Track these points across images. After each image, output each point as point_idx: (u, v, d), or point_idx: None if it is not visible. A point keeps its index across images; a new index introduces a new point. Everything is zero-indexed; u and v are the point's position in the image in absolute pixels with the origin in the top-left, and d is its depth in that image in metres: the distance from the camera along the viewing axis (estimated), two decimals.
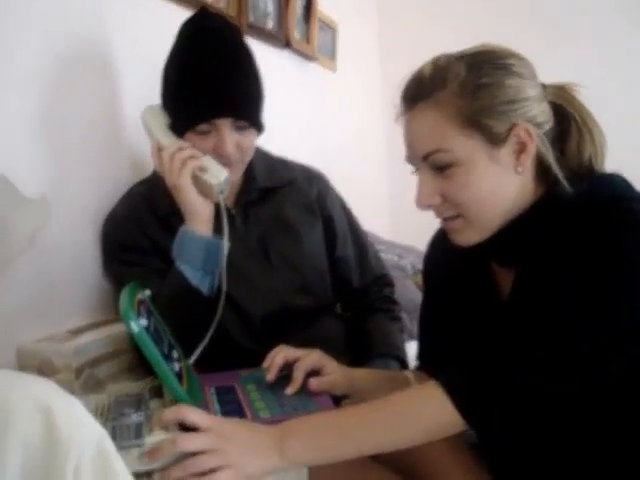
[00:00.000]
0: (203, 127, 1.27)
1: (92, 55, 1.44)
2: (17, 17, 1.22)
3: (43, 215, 1.07)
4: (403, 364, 1.44)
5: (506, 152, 0.95)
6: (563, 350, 0.88)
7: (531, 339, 0.90)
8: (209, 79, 1.25)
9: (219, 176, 1.26)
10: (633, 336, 0.89)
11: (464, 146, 0.94)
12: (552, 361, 0.88)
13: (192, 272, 1.25)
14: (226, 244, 1.27)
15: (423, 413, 0.92)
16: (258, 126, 1.33)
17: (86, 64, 1.41)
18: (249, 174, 1.40)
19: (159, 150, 1.30)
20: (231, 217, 1.36)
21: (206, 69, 1.26)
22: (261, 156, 1.44)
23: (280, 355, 1.13)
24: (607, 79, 2.84)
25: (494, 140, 0.94)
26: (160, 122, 1.31)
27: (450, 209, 0.99)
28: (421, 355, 1.26)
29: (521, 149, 0.95)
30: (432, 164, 0.97)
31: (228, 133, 1.27)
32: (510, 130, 0.94)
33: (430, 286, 1.25)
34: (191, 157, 1.26)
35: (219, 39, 1.29)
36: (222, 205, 1.29)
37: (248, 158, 1.36)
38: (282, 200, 1.44)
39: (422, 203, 1.00)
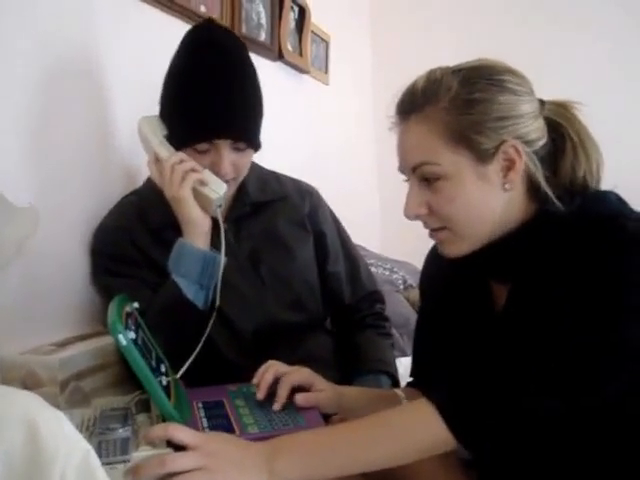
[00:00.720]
0: (202, 146, 1.27)
1: (83, 66, 1.43)
2: (9, 27, 1.21)
3: (31, 225, 1.06)
4: (394, 380, 1.43)
5: (494, 169, 0.95)
6: (557, 370, 0.87)
7: (524, 359, 0.89)
8: (211, 99, 1.25)
9: (218, 190, 1.27)
10: (629, 355, 0.88)
11: (452, 161, 0.95)
12: (545, 381, 0.87)
13: (187, 285, 1.24)
14: (223, 258, 1.26)
15: (414, 431, 0.91)
16: (256, 147, 1.34)
17: (77, 74, 1.41)
18: (241, 188, 1.40)
19: (156, 161, 1.29)
20: (224, 231, 1.35)
21: (209, 88, 1.25)
22: (254, 170, 1.43)
23: (270, 372, 1.11)
24: (608, 93, 2.86)
25: (482, 156, 0.94)
26: (157, 133, 1.31)
27: (436, 221, 1.00)
28: (415, 370, 1.25)
29: (509, 166, 0.95)
30: (420, 176, 0.98)
31: (227, 154, 1.28)
32: (498, 147, 0.94)
33: (426, 300, 1.25)
34: (192, 170, 1.26)
35: (224, 55, 1.28)
36: (220, 219, 1.28)
37: (242, 176, 1.36)
38: (274, 215, 1.43)
39: (409, 213, 1.01)
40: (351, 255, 1.57)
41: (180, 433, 0.87)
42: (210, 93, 1.25)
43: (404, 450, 0.91)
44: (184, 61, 1.29)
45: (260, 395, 1.09)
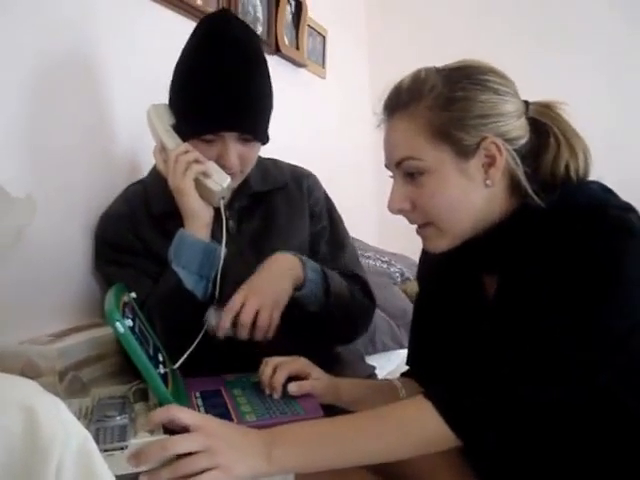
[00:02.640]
0: (209, 137, 1.27)
1: (85, 57, 1.44)
2: (9, 20, 1.21)
3: (28, 215, 1.06)
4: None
5: (475, 164, 0.98)
6: (549, 360, 0.88)
7: (517, 351, 0.90)
8: (220, 90, 1.24)
9: (222, 182, 1.27)
10: (617, 341, 0.90)
11: (434, 156, 0.97)
12: (540, 372, 0.88)
13: (187, 276, 1.24)
14: (223, 250, 1.26)
15: (412, 426, 0.92)
16: (263, 140, 1.34)
17: (78, 65, 1.41)
18: (244, 179, 1.40)
19: (162, 150, 1.30)
20: (225, 220, 1.35)
21: (219, 79, 1.25)
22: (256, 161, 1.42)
23: (269, 366, 1.13)
24: (602, 87, 2.87)
25: (463, 152, 0.97)
26: (164, 122, 1.31)
27: (420, 217, 1.03)
28: (411, 359, 1.27)
29: (490, 162, 0.98)
30: (404, 171, 1.01)
31: (233, 146, 1.28)
32: (479, 143, 0.97)
33: (423, 291, 1.27)
34: (196, 161, 1.26)
35: (237, 47, 1.27)
36: (222, 211, 1.29)
37: (249, 169, 1.36)
38: (274, 204, 1.43)
39: (392, 208, 1.04)
40: (337, 238, 1.52)
41: (182, 414, 0.88)
42: (220, 84, 1.24)
43: (402, 445, 0.92)
44: (196, 51, 1.29)
45: (274, 394, 1.10)
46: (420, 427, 0.91)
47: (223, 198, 1.28)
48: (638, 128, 3.01)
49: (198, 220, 1.27)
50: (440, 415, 0.89)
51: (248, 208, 1.41)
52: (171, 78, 1.32)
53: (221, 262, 1.26)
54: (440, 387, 0.94)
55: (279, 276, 1.25)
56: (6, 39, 1.21)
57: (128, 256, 1.32)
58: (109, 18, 1.51)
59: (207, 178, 1.26)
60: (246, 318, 1.17)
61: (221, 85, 1.24)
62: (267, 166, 1.47)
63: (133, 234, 1.32)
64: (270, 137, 1.36)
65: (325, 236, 1.51)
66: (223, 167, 1.28)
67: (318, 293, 1.31)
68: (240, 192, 1.40)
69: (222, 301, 1.27)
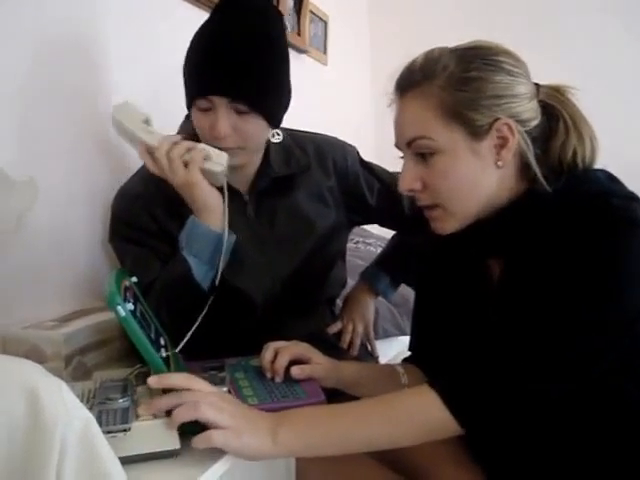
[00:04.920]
0: (202, 103, 1.22)
1: (89, 41, 1.43)
2: (10, 5, 1.21)
3: (30, 198, 1.06)
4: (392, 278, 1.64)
5: (487, 145, 0.97)
6: (553, 354, 0.89)
7: (521, 342, 0.90)
8: (213, 54, 1.20)
9: (222, 162, 1.21)
10: (618, 330, 0.90)
11: (446, 136, 0.97)
12: (543, 366, 0.89)
13: (199, 265, 1.22)
14: (226, 234, 1.22)
15: (416, 414, 0.92)
16: (265, 115, 1.26)
17: (76, 49, 1.41)
18: (265, 161, 1.36)
19: (148, 151, 1.22)
20: (244, 204, 1.34)
21: (214, 45, 1.21)
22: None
23: (269, 350, 1.14)
24: (601, 77, 2.86)
25: (476, 133, 0.96)
26: (135, 120, 1.24)
27: (429, 197, 1.02)
28: (413, 345, 1.27)
29: (502, 144, 0.97)
30: (415, 150, 1.00)
31: (223, 112, 1.21)
32: (492, 124, 0.96)
33: (426, 275, 1.26)
34: (189, 149, 1.21)
35: (244, 17, 1.23)
36: (226, 193, 1.24)
37: (252, 147, 1.30)
38: (296, 188, 1.40)
39: (404, 187, 1.04)
40: (391, 189, 1.49)
41: (198, 383, 0.92)
42: (213, 51, 1.21)
43: (405, 432, 0.93)
44: (207, 20, 1.26)
45: (276, 377, 1.11)
46: (424, 415, 0.92)
47: (226, 176, 1.23)
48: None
49: (211, 207, 1.22)
50: (444, 404, 0.90)
51: (268, 193, 1.37)
52: None
53: (224, 248, 1.22)
54: (445, 377, 0.94)
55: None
56: (8, 24, 1.21)
57: (142, 235, 1.29)
58: (114, 3, 1.50)
59: (207, 162, 1.21)
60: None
61: (217, 49, 1.20)
62: (290, 147, 1.42)
63: (148, 214, 1.29)
64: (280, 119, 1.33)
65: (384, 193, 1.51)
66: (215, 140, 1.23)
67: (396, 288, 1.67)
68: (262, 175, 1.36)
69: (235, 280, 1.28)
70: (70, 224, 1.37)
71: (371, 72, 3.48)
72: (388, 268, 1.65)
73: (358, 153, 1.55)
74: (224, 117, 1.21)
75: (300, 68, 2.67)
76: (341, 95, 3.13)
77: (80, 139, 1.40)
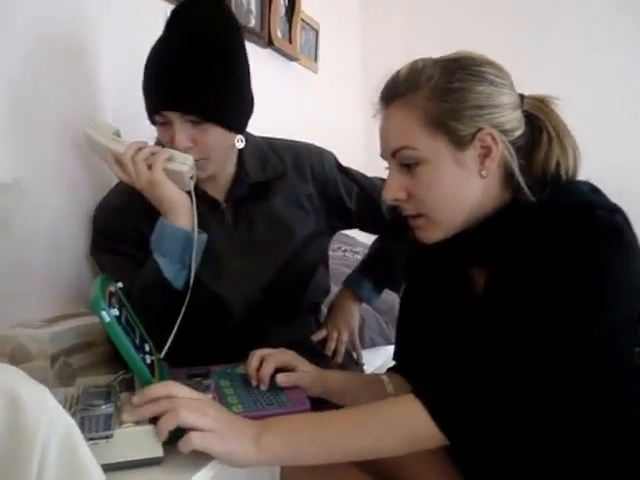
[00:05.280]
0: (159, 119, 1.26)
1: (73, 44, 1.43)
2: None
3: (15, 200, 1.05)
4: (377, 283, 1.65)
5: (471, 155, 0.98)
6: (536, 364, 0.89)
7: (505, 352, 0.90)
8: (161, 71, 1.23)
9: (186, 162, 1.23)
10: (604, 343, 0.91)
11: (430, 146, 0.98)
12: (527, 376, 0.89)
13: (169, 265, 1.23)
14: (196, 235, 1.24)
15: (401, 425, 0.92)
16: (222, 123, 1.27)
17: (66, 49, 1.41)
18: (240, 168, 1.38)
19: (116, 160, 1.25)
20: (221, 212, 1.35)
21: (162, 62, 1.24)
22: (253, 148, 1.40)
23: (255, 357, 1.13)
24: (593, 86, 2.89)
25: (459, 142, 0.97)
26: (106, 134, 1.28)
27: (414, 207, 1.03)
28: (397, 353, 1.27)
29: (486, 153, 0.98)
30: (400, 160, 1.01)
31: (178, 126, 1.23)
32: (475, 134, 0.97)
33: (410, 284, 1.26)
34: (153, 153, 1.23)
35: (193, 31, 1.24)
36: (192, 192, 1.26)
37: (215, 156, 1.30)
38: (273, 194, 1.42)
39: (389, 197, 1.04)
40: (369, 194, 1.54)
41: (181, 390, 0.91)
42: (164, 65, 1.23)
43: (390, 442, 0.93)
44: (158, 38, 1.28)
45: (261, 385, 1.11)
46: (409, 425, 0.92)
47: (192, 178, 1.25)
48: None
49: (178, 207, 1.24)
50: (429, 414, 0.90)
51: (245, 199, 1.38)
52: None
53: (194, 248, 1.24)
54: (429, 386, 0.94)
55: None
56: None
57: (123, 245, 1.32)
58: (103, 3, 1.50)
59: (171, 162, 1.23)
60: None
61: (165, 66, 1.23)
62: (266, 154, 1.43)
63: (128, 225, 1.32)
64: (248, 129, 1.35)
65: (363, 195, 1.54)
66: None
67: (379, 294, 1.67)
68: (238, 182, 1.38)
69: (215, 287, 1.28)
70: (59, 227, 1.37)
71: (362, 80, 3.49)
72: (371, 274, 1.66)
73: (336, 159, 1.57)
74: (180, 130, 1.24)
75: (291, 76, 2.68)
76: (331, 103, 3.14)
77: (69, 143, 1.40)
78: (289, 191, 1.44)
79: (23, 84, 1.28)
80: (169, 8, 1.35)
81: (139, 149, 1.24)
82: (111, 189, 1.39)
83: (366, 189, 1.54)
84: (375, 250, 1.70)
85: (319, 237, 1.49)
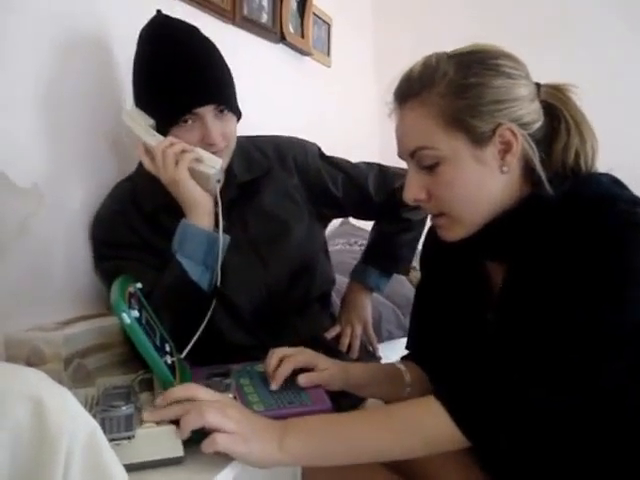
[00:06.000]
0: (187, 120, 1.27)
1: (90, 48, 1.44)
2: (19, 12, 1.21)
3: (34, 205, 1.06)
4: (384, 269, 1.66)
5: (491, 152, 0.96)
6: (559, 364, 0.88)
7: (527, 351, 0.90)
8: (186, 71, 1.26)
9: (215, 165, 1.26)
10: (625, 341, 0.89)
11: (449, 145, 0.95)
12: (550, 376, 0.88)
13: (193, 266, 1.24)
14: (221, 236, 1.26)
15: (422, 427, 0.92)
16: (236, 112, 1.34)
17: (84, 56, 1.42)
18: (228, 170, 1.38)
19: (146, 151, 1.29)
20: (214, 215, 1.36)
21: (182, 62, 1.26)
22: (237, 148, 1.41)
23: (274, 357, 1.12)
24: (604, 78, 2.86)
25: (479, 140, 0.95)
26: (141, 124, 1.30)
27: (435, 207, 1.01)
28: (410, 344, 1.27)
29: (506, 149, 0.96)
30: (418, 161, 0.99)
31: (212, 121, 1.27)
32: (495, 130, 0.95)
33: (426, 275, 1.26)
34: (183, 150, 1.26)
35: (184, 34, 1.31)
36: (218, 196, 1.28)
37: (233, 145, 1.35)
38: (262, 191, 1.43)
39: (409, 198, 1.02)
40: (356, 179, 1.56)
41: (202, 392, 0.92)
42: (181, 65, 1.26)
43: (411, 444, 0.92)
44: (149, 50, 1.30)
45: (273, 384, 1.09)
46: (430, 428, 0.91)
47: (218, 181, 1.28)
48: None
49: (200, 208, 1.26)
50: (451, 417, 0.90)
51: (235, 199, 1.39)
52: (133, 85, 1.34)
53: (220, 249, 1.25)
54: (449, 387, 0.93)
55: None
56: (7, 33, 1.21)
57: (128, 251, 1.32)
58: (117, 6, 1.51)
59: (199, 164, 1.26)
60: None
61: (183, 66, 1.26)
62: (250, 152, 1.46)
63: (129, 229, 1.33)
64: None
65: (348, 183, 1.55)
66: (209, 147, 1.28)
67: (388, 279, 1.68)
68: (226, 184, 1.38)
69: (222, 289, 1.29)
70: (75, 231, 1.37)
71: (375, 73, 3.48)
72: (374, 261, 1.66)
73: (319, 148, 1.58)
74: (214, 124, 1.28)
75: (304, 71, 2.67)
76: (345, 97, 3.13)
77: (85, 146, 1.40)
78: (277, 185, 1.45)
79: (46, 91, 1.29)
80: (188, 13, 1.35)
81: (172, 144, 1.26)
82: (103, 201, 1.39)
83: (351, 175, 1.55)
84: (374, 237, 1.71)
85: (313, 226, 1.50)
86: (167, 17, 1.35)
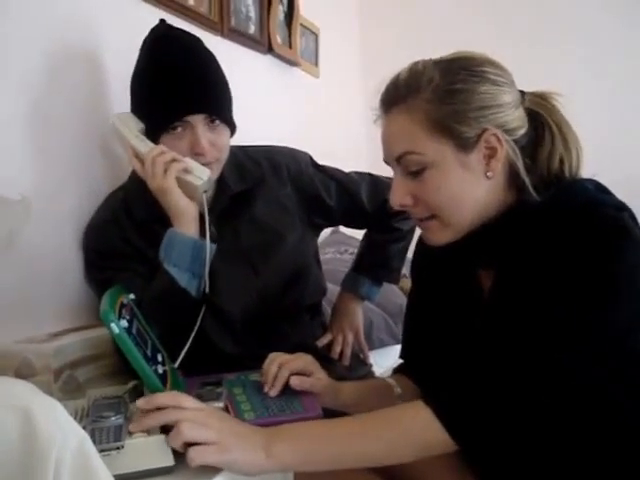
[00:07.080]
0: (178, 127, 1.28)
1: (80, 59, 1.44)
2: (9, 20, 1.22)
3: (22, 216, 1.06)
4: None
5: (476, 157, 0.97)
6: (546, 366, 0.88)
7: (514, 355, 0.90)
8: (180, 78, 1.27)
9: (202, 176, 1.27)
10: (611, 341, 0.90)
11: (434, 150, 0.96)
12: (537, 379, 0.89)
13: (180, 274, 1.25)
14: (208, 245, 1.26)
15: (411, 431, 0.92)
16: (230, 124, 1.35)
17: (75, 66, 1.42)
18: (221, 180, 1.39)
19: (135, 156, 1.30)
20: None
21: (177, 69, 1.28)
22: (229, 158, 1.41)
23: (274, 364, 1.12)
24: (591, 80, 2.90)
25: (464, 145, 0.96)
26: (132, 128, 1.31)
27: (423, 210, 1.02)
28: (404, 352, 1.27)
29: (491, 154, 0.97)
30: (404, 166, 1.00)
31: (202, 130, 1.29)
32: (480, 135, 0.96)
33: (417, 284, 1.26)
34: (173, 160, 1.26)
35: (184, 42, 1.32)
36: (205, 206, 1.28)
37: (224, 158, 1.36)
38: (255, 201, 1.44)
39: (395, 203, 1.03)
40: (349, 187, 1.58)
41: (187, 401, 0.91)
42: (178, 75, 1.28)
43: (400, 449, 0.93)
44: (148, 57, 1.32)
45: (271, 392, 1.10)
46: (419, 432, 0.91)
47: (205, 192, 1.28)
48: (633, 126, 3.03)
49: (185, 217, 1.27)
50: (440, 422, 0.90)
51: (228, 209, 1.40)
52: (130, 90, 1.35)
53: (207, 257, 1.26)
54: (439, 392, 0.94)
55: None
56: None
57: (120, 260, 1.32)
58: (108, 19, 1.52)
59: (188, 174, 1.27)
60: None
61: (178, 74, 1.28)
62: (242, 162, 1.46)
63: (121, 239, 1.33)
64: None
65: (341, 191, 1.56)
66: (198, 157, 1.29)
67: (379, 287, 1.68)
68: (219, 194, 1.39)
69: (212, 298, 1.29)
70: (64, 242, 1.37)
71: (363, 83, 3.49)
72: (365, 270, 1.68)
73: (311, 157, 1.59)
74: (204, 133, 1.29)
75: (292, 81, 2.68)
76: (333, 107, 3.14)
77: (75, 156, 1.41)
78: (269, 195, 1.46)
79: (34, 99, 1.30)
80: (174, 23, 1.36)
81: (162, 153, 1.27)
82: (95, 211, 1.40)
83: (344, 183, 1.57)
84: (365, 246, 1.72)
85: (305, 236, 1.50)
86: (170, 27, 1.36)
